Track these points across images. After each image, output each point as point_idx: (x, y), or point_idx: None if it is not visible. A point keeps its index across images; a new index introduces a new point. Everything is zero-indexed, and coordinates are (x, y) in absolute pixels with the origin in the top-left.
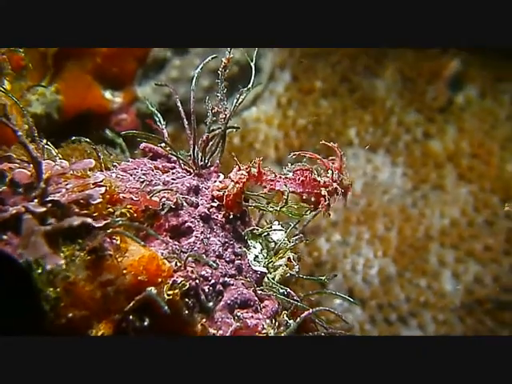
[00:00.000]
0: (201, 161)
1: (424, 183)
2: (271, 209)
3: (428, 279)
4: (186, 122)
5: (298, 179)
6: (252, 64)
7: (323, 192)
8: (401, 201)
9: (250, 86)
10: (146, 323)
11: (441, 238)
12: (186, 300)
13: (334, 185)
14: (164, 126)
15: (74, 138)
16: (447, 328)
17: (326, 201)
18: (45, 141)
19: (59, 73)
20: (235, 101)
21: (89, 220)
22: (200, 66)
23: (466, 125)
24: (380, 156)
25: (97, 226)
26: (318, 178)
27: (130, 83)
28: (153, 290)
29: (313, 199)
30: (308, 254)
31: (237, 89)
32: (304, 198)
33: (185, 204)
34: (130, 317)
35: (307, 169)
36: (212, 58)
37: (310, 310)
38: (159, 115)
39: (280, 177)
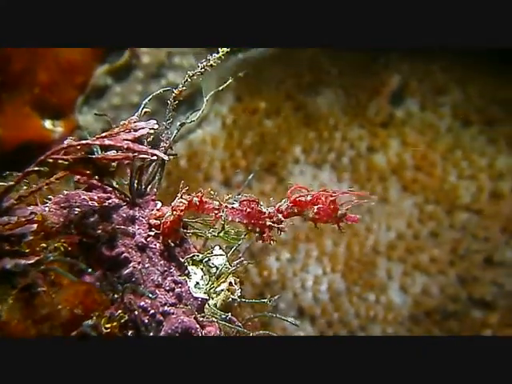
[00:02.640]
0: (137, 189)
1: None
2: (209, 234)
3: (376, 293)
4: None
5: (245, 210)
6: (204, 100)
7: (268, 223)
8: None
9: (194, 118)
10: None
11: (388, 251)
12: (125, 332)
13: (279, 216)
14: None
15: (7, 172)
16: None
17: (269, 231)
18: None
19: None
20: (175, 131)
21: (22, 262)
22: (149, 98)
23: (408, 138)
24: (326, 172)
25: (29, 262)
26: (264, 210)
27: (70, 112)
28: (89, 322)
29: (257, 229)
30: (258, 273)
31: (181, 111)
32: (249, 228)
33: (120, 235)
34: None
35: (253, 200)
36: (163, 91)
37: (250, 334)
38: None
39: (226, 206)
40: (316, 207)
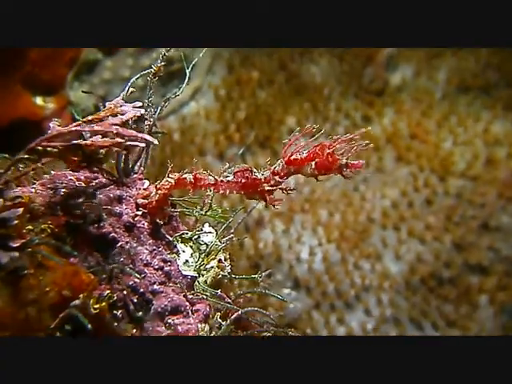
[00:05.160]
0: (124, 168)
1: (364, 166)
2: (196, 214)
3: (372, 261)
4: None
5: (240, 181)
6: (187, 71)
7: (267, 188)
8: (343, 186)
9: (178, 92)
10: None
11: (382, 220)
12: (115, 312)
13: (276, 178)
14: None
15: None
16: (394, 309)
17: (271, 195)
18: None
19: None
20: (159, 108)
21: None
22: (136, 77)
23: (404, 106)
24: None
25: (14, 246)
26: (259, 176)
27: (61, 88)
28: (76, 302)
29: (257, 196)
30: (253, 246)
31: (174, 84)
32: (249, 197)
33: (108, 215)
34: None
35: (246, 169)
36: (141, 76)
37: (240, 311)
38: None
39: (222, 181)
40: (313, 163)
